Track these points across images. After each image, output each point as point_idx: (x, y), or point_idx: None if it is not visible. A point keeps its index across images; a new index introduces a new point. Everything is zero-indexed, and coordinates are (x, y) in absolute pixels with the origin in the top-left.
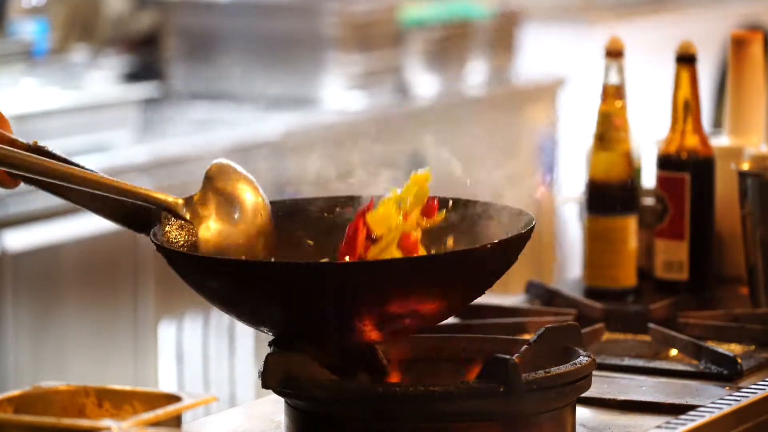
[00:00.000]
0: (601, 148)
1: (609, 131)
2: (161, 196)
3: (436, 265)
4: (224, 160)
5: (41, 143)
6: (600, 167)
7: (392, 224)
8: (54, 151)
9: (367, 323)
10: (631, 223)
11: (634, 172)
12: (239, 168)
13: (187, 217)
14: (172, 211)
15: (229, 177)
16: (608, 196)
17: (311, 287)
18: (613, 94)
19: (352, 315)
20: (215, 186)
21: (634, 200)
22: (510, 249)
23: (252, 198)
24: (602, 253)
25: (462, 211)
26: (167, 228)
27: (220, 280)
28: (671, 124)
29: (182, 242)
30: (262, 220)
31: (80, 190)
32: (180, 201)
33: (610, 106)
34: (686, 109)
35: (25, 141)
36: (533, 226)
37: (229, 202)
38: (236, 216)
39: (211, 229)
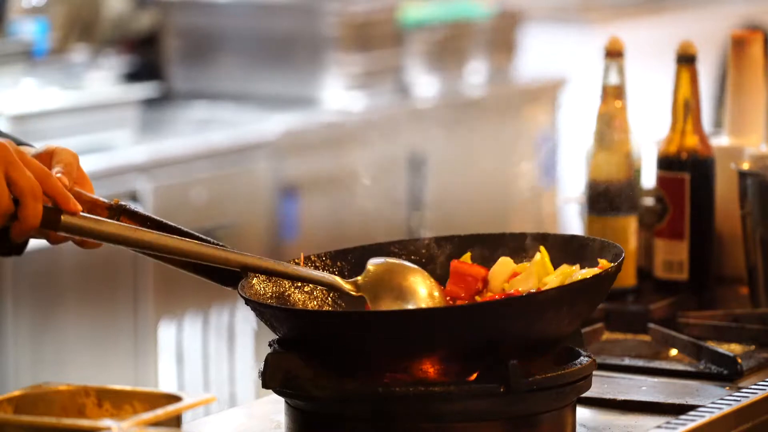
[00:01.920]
0: (601, 148)
1: (609, 131)
2: (334, 279)
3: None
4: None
5: (123, 202)
6: (600, 167)
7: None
8: (137, 209)
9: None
10: (631, 223)
11: (634, 172)
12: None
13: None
14: (341, 291)
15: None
16: (608, 196)
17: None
18: (613, 94)
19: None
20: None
21: (634, 200)
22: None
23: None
24: None
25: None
26: (254, 280)
27: (312, 331)
28: (671, 124)
29: (269, 294)
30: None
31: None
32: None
33: (610, 106)
34: (686, 109)
35: (107, 200)
36: (622, 260)
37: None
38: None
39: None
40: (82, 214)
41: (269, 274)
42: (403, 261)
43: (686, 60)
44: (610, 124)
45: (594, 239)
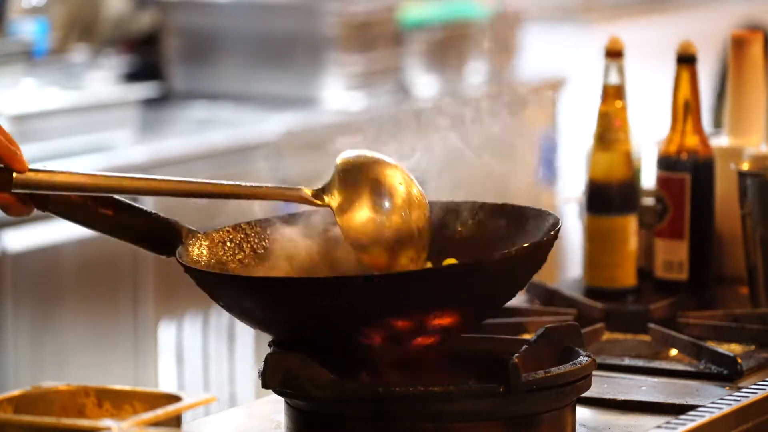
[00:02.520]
0: (601, 148)
1: (609, 131)
2: (293, 190)
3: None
4: (359, 151)
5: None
6: (600, 167)
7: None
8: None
9: (395, 335)
10: (631, 223)
11: (634, 172)
12: (378, 155)
13: (319, 203)
14: (306, 201)
15: (372, 164)
16: (608, 196)
17: (327, 301)
18: (613, 94)
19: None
20: (353, 175)
21: (634, 200)
22: (539, 254)
23: (404, 187)
24: (602, 253)
25: (483, 215)
26: (190, 248)
27: (249, 299)
28: (671, 124)
29: (205, 259)
30: (416, 205)
31: (101, 217)
32: (308, 191)
33: (610, 106)
34: (686, 109)
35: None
36: (559, 228)
37: (376, 188)
38: (386, 204)
39: (356, 217)
40: (32, 167)
41: (228, 197)
42: (375, 154)
43: (686, 60)
44: (610, 124)
45: (529, 207)
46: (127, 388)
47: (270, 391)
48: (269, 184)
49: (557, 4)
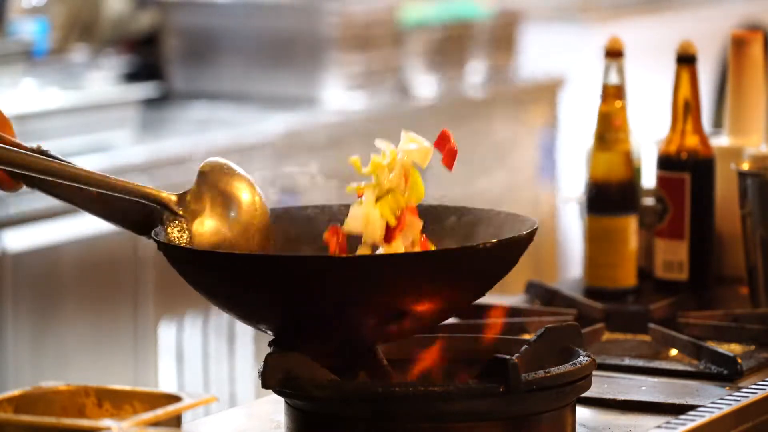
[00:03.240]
0: (601, 148)
1: (609, 131)
2: (154, 191)
3: (437, 261)
4: (219, 159)
5: (44, 147)
6: (600, 167)
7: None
8: (56, 155)
9: (366, 320)
10: (632, 223)
11: (634, 172)
12: (234, 166)
13: (180, 213)
14: (165, 207)
15: (223, 174)
16: (608, 196)
17: (311, 281)
18: (613, 94)
19: (351, 312)
20: (209, 182)
21: (634, 200)
22: (512, 249)
23: (248, 196)
24: (602, 253)
25: (462, 218)
26: (169, 229)
27: (218, 275)
28: (671, 124)
29: (184, 242)
30: (259, 218)
31: (80, 192)
32: (173, 197)
33: (610, 106)
34: (686, 109)
35: (28, 145)
36: (536, 229)
37: (224, 199)
38: (232, 214)
39: (205, 225)
40: (1, 146)
41: (92, 186)
42: (229, 164)
43: (686, 60)
44: (610, 124)
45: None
46: (127, 388)
47: (270, 391)
48: (136, 183)
49: (557, 4)
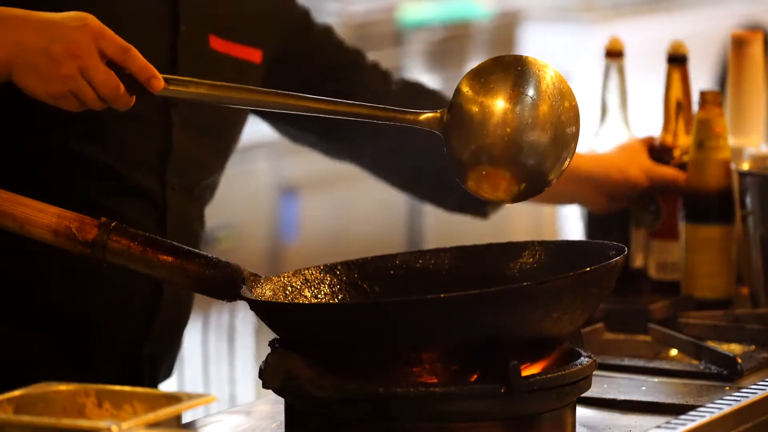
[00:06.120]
0: (699, 155)
1: (709, 138)
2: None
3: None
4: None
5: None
6: (698, 175)
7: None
8: (125, 227)
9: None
10: (731, 232)
11: (731, 180)
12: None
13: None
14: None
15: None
16: (708, 205)
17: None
18: (712, 100)
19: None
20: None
21: (731, 209)
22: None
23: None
24: (703, 263)
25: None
26: (254, 289)
27: (326, 327)
28: (663, 124)
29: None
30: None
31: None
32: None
33: (709, 113)
34: (678, 109)
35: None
36: (625, 254)
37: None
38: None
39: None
40: (172, 77)
41: (345, 115)
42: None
43: (677, 60)
44: (710, 131)
45: (592, 242)
46: (127, 388)
47: (270, 391)
48: (385, 106)
49: (557, 4)
